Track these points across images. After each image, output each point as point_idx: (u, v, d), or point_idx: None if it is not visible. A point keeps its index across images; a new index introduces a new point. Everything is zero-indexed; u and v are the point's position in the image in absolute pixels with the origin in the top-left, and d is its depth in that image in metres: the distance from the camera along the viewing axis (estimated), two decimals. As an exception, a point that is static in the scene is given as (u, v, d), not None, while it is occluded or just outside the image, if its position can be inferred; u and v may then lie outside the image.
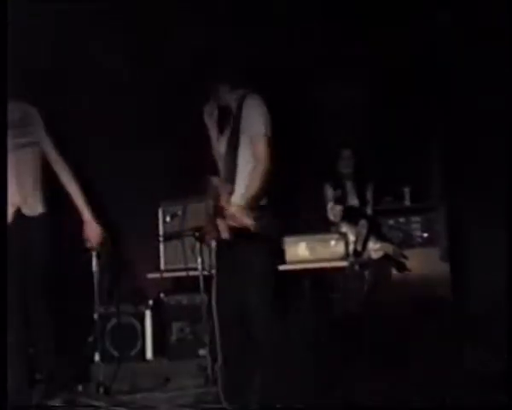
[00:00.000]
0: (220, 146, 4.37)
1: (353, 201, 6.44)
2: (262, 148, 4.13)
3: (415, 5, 5.87)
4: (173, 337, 6.30)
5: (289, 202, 6.24)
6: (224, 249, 4.22)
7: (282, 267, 5.32)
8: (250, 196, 4.09)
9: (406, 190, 6.56)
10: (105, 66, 6.31)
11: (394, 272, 6.30)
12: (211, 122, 4.39)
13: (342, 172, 6.44)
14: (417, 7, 5.86)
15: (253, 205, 4.08)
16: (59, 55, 6.14)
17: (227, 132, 4.33)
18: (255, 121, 4.17)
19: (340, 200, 6.18)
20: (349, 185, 6.46)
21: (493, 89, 5.51)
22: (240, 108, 4.25)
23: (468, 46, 5.89)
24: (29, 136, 4.58)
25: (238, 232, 4.08)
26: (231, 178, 4.24)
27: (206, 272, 5.02)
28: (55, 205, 4.76)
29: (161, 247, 5.79)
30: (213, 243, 4.34)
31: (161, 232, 5.77)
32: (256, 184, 4.11)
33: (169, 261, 5.72)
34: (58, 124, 5.85)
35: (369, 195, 6.46)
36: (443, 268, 6.16)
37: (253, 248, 4.12)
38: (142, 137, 6.48)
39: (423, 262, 6.27)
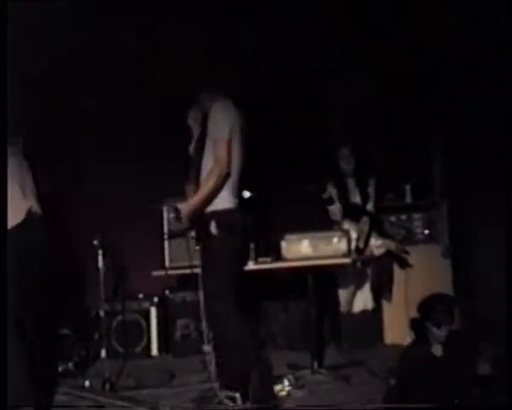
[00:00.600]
0: (191, 149, 4.47)
1: (355, 198, 6.46)
2: (221, 151, 4.23)
3: (415, 5, 5.89)
4: (178, 334, 6.37)
5: (292, 201, 6.31)
6: (201, 249, 4.37)
7: (281, 265, 5.41)
8: (200, 198, 4.21)
9: (407, 188, 6.59)
10: (109, 64, 6.36)
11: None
12: (195, 126, 4.48)
13: (343, 170, 6.47)
14: (418, 7, 5.88)
15: (200, 207, 4.22)
16: (59, 55, 6.19)
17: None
18: (218, 125, 4.26)
19: (331, 200, 6.23)
20: (351, 183, 6.48)
21: (494, 86, 5.54)
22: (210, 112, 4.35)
23: (469, 44, 5.91)
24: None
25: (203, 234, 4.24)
26: (196, 181, 4.35)
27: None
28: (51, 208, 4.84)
29: (166, 244, 5.84)
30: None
31: (166, 230, 5.82)
32: (207, 187, 4.22)
33: (174, 259, 5.77)
34: (59, 124, 5.94)
35: (370, 192, 6.48)
36: (444, 265, 6.20)
37: (211, 248, 4.25)
38: (147, 135, 6.53)
39: (425, 259, 6.31)
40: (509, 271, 4.30)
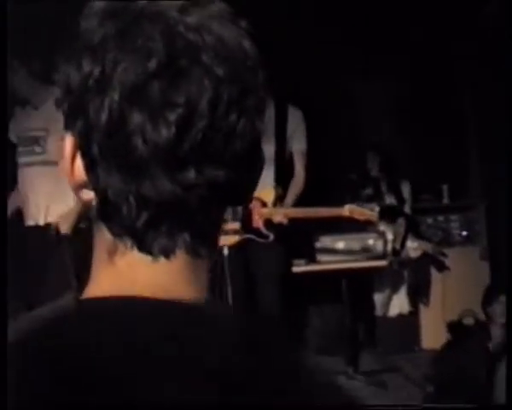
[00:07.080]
0: None
1: (391, 200, 6.39)
2: None
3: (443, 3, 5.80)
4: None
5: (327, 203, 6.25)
6: None
7: (319, 267, 5.37)
8: None
9: (445, 188, 6.52)
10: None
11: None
12: None
13: (371, 172, 6.38)
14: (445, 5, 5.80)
15: None
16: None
17: None
18: None
19: (372, 198, 6.15)
20: (383, 184, 6.39)
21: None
22: None
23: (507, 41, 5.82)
24: None
25: None
26: None
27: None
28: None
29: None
30: None
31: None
32: None
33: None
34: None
35: (405, 193, 6.41)
36: (482, 267, 6.11)
37: None
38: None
39: (462, 261, 6.22)
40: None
